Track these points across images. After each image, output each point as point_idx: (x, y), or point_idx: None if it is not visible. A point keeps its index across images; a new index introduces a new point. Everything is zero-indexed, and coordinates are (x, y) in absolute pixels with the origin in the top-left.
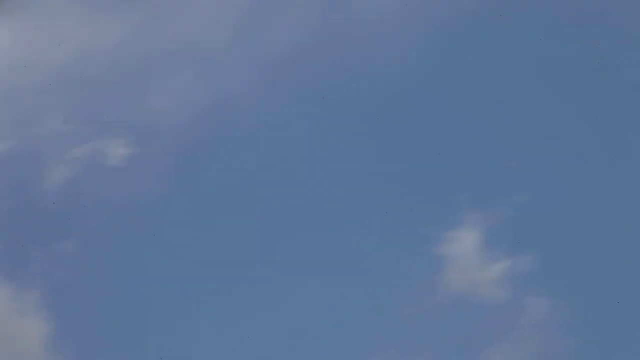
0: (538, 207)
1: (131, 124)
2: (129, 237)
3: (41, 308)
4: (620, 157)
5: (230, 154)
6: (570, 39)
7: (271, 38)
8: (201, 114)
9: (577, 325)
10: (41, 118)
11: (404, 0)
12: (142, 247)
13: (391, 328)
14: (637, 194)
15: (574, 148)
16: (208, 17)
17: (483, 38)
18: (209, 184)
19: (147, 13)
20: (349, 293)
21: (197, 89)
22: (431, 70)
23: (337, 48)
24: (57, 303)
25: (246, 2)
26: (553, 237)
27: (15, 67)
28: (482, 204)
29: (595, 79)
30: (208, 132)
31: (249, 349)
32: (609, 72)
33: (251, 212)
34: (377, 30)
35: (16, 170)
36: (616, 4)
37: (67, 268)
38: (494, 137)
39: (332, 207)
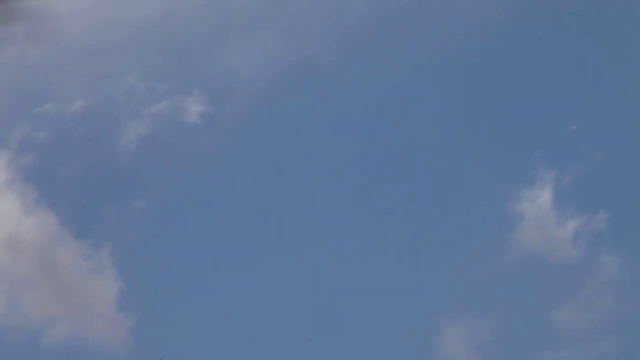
0: (611, 166)
1: (210, 83)
2: (202, 196)
3: (113, 266)
4: None
5: (308, 114)
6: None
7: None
8: (280, 74)
9: None
10: (120, 76)
11: None
12: (215, 207)
13: (462, 287)
14: None
15: None
16: None
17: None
18: (287, 145)
19: None
20: (422, 251)
21: (277, 49)
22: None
23: (420, 11)
24: (128, 261)
25: None
26: (626, 195)
27: (96, 26)
28: (555, 163)
29: None
30: (286, 92)
31: (327, 300)
32: None
33: (331, 173)
34: None
35: (93, 127)
36: None
37: (139, 226)
38: (568, 99)
39: (410, 163)
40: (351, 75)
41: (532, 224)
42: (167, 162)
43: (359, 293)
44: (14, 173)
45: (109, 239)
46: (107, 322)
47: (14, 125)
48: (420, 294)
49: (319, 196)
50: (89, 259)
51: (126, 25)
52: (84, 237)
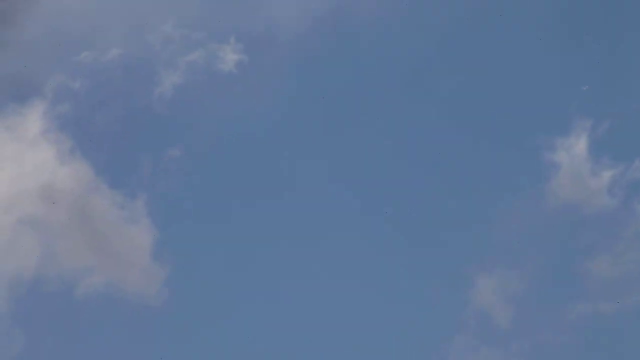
0: None
1: (246, 31)
2: (237, 145)
3: (148, 215)
4: None
5: (346, 65)
6: None
7: None
8: (317, 24)
9: None
10: (156, 24)
11: None
12: (250, 156)
13: (496, 238)
14: None
15: None
16: None
17: None
18: (322, 97)
19: None
20: (458, 203)
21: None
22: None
23: None
24: (162, 211)
25: None
26: None
27: None
28: (591, 112)
29: None
30: (323, 43)
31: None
32: None
33: (367, 131)
34: None
35: (129, 76)
36: None
37: (174, 176)
38: (604, 50)
39: (449, 110)
40: (389, 30)
41: (567, 174)
42: (202, 111)
43: (397, 245)
44: (49, 122)
45: (144, 188)
46: (141, 271)
47: (50, 74)
48: (454, 244)
49: (357, 150)
50: (124, 208)
51: None
52: (120, 186)
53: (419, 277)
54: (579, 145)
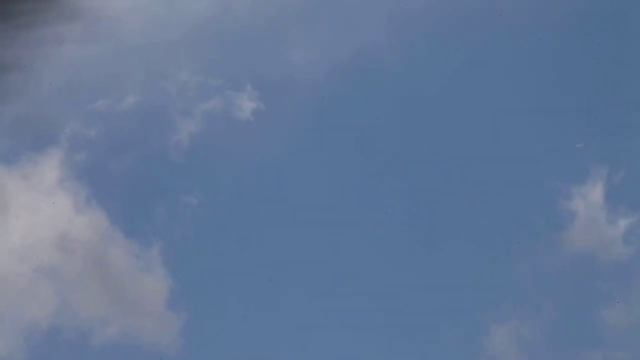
0: None
1: (262, 78)
2: (254, 193)
3: (163, 264)
4: None
5: (364, 112)
6: None
7: None
8: (337, 71)
9: None
10: (173, 72)
11: None
12: (268, 205)
13: (511, 285)
14: None
15: None
16: None
17: None
18: (343, 142)
19: None
20: (471, 248)
21: (334, 45)
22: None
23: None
24: (178, 259)
25: None
26: None
27: (152, 22)
28: (607, 158)
29: None
30: (344, 87)
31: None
32: None
33: (386, 172)
34: None
35: (145, 123)
36: None
37: (189, 223)
38: (620, 94)
39: (464, 153)
40: (411, 72)
41: (583, 222)
42: (218, 159)
43: (407, 289)
44: (65, 171)
45: (160, 236)
46: (157, 320)
47: (66, 123)
48: (469, 291)
49: (372, 200)
50: (140, 257)
51: (182, 22)
52: (135, 235)
53: (433, 325)
54: (595, 192)
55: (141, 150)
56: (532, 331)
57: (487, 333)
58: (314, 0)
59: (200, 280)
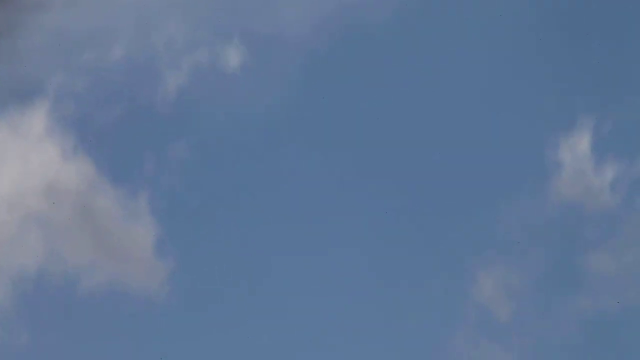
0: None
1: (250, 31)
2: (240, 144)
3: (150, 213)
4: None
5: (352, 65)
6: None
7: None
8: (322, 23)
9: None
10: (158, 23)
11: None
12: (253, 155)
13: (498, 231)
14: None
15: None
16: None
17: None
18: (329, 95)
19: None
20: (458, 198)
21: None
22: None
23: None
24: (165, 208)
25: None
26: None
27: None
28: (596, 107)
29: None
30: (332, 40)
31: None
32: None
33: (371, 129)
34: None
35: (133, 75)
36: None
37: (176, 173)
38: (609, 42)
39: (449, 107)
40: (396, 30)
41: (570, 171)
42: (206, 110)
43: (394, 236)
44: (53, 122)
45: (147, 185)
46: (144, 268)
47: (53, 75)
48: (456, 239)
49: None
50: (127, 206)
51: None
52: (122, 184)
53: (419, 271)
54: (582, 142)
55: (129, 102)
56: (519, 278)
57: (474, 281)
58: None
59: (187, 228)
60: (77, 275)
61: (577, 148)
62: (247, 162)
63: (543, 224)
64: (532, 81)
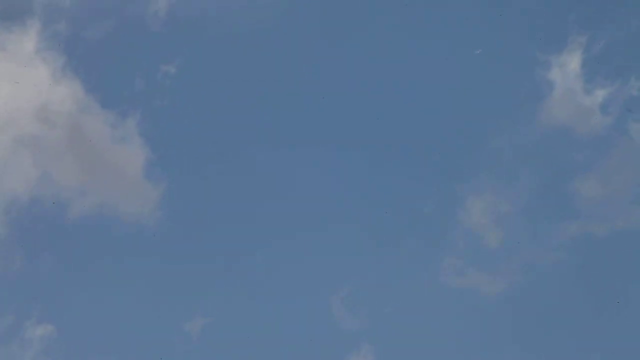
0: None
1: None
2: (232, 65)
3: (140, 134)
4: None
5: None
6: None
7: None
8: None
9: None
10: None
11: None
12: (246, 76)
13: (488, 157)
14: None
15: None
16: None
17: None
18: (325, 14)
19: None
20: (447, 121)
21: None
22: None
23: None
24: (155, 130)
25: None
26: None
27: None
28: (589, 26)
29: None
30: None
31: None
32: None
33: (364, 38)
34: None
35: None
36: None
37: (167, 93)
38: None
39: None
40: None
41: (560, 92)
42: (198, 29)
43: (384, 164)
44: (40, 41)
45: (136, 107)
46: (134, 191)
47: None
48: (445, 163)
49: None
50: (116, 127)
51: None
52: (111, 105)
53: (407, 197)
54: (573, 62)
55: (118, 19)
56: (508, 203)
57: (462, 205)
58: None
59: (178, 150)
60: (68, 199)
61: (567, 68)
62: (242, 81)
63: (533, 147)
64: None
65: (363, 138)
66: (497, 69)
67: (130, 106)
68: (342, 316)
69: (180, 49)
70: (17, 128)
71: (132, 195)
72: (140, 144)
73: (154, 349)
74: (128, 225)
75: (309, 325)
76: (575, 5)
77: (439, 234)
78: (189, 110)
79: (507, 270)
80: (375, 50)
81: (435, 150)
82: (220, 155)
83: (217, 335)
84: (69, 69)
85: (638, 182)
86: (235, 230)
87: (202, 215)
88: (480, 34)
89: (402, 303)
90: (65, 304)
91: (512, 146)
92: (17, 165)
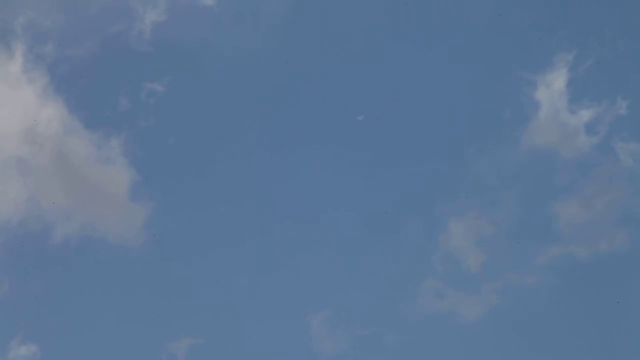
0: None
1: None
2: (218, 83)
3: (125, 155)
4: None
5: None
6: None
7: None
8: None
9: None
10: None
11: None
12: (231, 94)
13: (470, 179)
14: None
15: None
16: None
17: None
18: (311, 31)
19: None
20: (428, 143)
21: None
22: None
23: None
24: (140, 150)
25: None
26: None
27: None
28: (574, 45)
29: None
30: None
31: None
32: None
33: (356, 58)
34: None
35: (107, 12)
36: None
37: (152, 113)
38: None
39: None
40: None
41: (545, 113)
42: (183, 47)
43: (368, 184)
44: (25, 62)
45: (121, 128)
46: (120, 213)
47: (24, 13)
48: (428, 185)
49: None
50: (101, 148)
51: None
52: (96, 126)
53: (389, 220)
54: (558, 82)
55: (103, 40)
56: (490, 226)
57: (444, 229)
58: None
59: (163, 171)
60: (53, 222)
61: (553, 88)
62: (227, 100)
63: (516, 168)
64: (510, 20)
65: (345, 161)
66: (482, 88)
67: (113, 127)
68: (321, 338)
69: (164, 68)
70: (4, 152)
71: (118, 216)
72: (125, 164)
73: None
74: (114, 246)
75: (287, 347)
76: (561, 25)
77: (420, 257)
78: (174, 130)
79: (487, 292)
80: (358, 70)
81: (417, 172)
82: (205, 177)
83: (203, 355)
84: (54, 90)
85: (622, 204)
86: (220, 251)
87: (187, 237)
88: (466, 52)
89: (381, 326)
90: (50, 324)
91: (495, 168)
92: (3, 188)
